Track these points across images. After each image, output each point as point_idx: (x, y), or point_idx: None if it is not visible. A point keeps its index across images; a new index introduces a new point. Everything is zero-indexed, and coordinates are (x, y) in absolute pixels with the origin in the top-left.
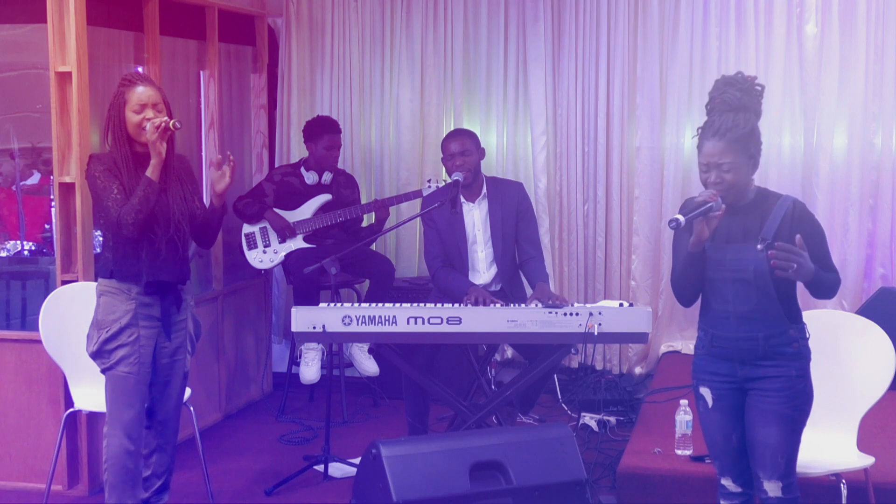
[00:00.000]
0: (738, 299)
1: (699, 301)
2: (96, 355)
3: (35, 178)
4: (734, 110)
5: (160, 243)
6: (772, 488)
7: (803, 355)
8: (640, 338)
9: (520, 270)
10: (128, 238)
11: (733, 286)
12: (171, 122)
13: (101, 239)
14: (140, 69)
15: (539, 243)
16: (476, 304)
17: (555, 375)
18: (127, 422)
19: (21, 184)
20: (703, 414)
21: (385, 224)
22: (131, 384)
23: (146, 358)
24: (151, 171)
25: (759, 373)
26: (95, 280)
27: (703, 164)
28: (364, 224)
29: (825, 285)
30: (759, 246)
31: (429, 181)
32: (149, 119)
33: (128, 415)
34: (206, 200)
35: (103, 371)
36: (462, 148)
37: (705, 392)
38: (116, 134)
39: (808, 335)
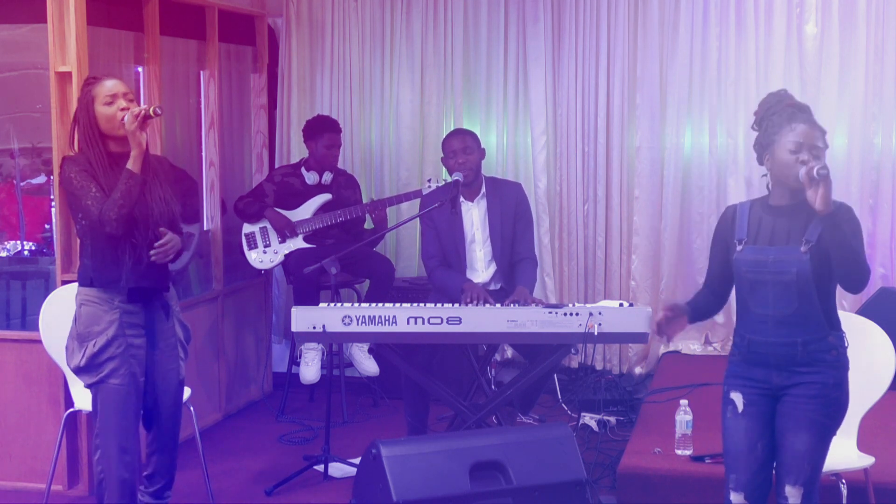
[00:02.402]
0: (779, 303)
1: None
2: (84, 370)
3: (41, 178)
4: (808, 112)
5: (141, 247)
6: (793, 493)
7: (842, 364)
8: (640, 338)
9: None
10: (109, 238)
11: (774, 289)
12: (152, 108)
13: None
14: (140, 69)
15: (532, 246)
16: (471, 301)
17: (555, 375)
18: (121, 433)
19: (27, 182)
20: (731, 420)
21: (386, 223)
22: (123, 396)
23: (137, 368)
24: (132, 164)
25: (796, 379)
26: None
27: (794, 143)
28: (366, 226)
29: (852, 251)
30: (802, 248)
31: (429, 180)
32: (123, 109)
33: (122, 426)
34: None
35: (90, 385)
36: (464, 145)
37: (736, 397)
38: (87, 134)
39: (847, 344)
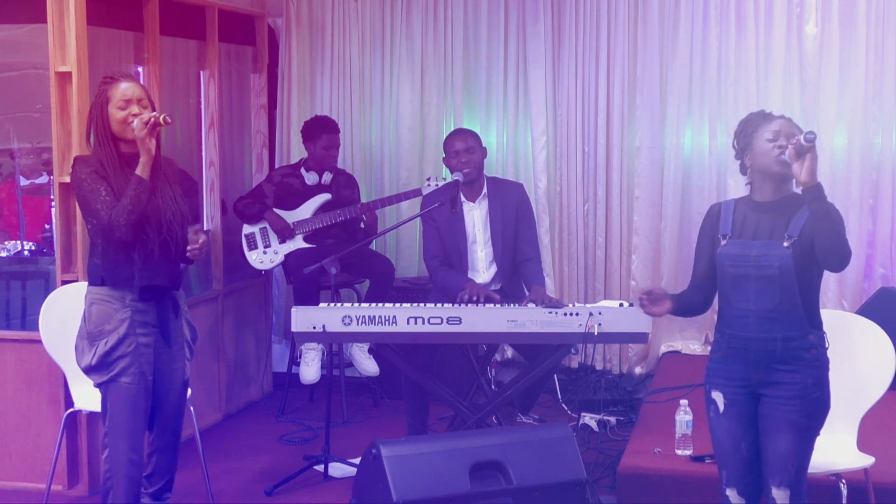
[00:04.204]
0: (761, 297)
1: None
2: (95, 369)
3: (41, 178)
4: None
5: (153, 246)
6: (780, 496)
7: (821, 363)
8: (640, 338)
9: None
10: (120, 241)
11: (756, 283)
12: (162, 116)
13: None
14: (140, 69)
15: (537, 245)
16: (471, 298)
17: (555, 375)
18: (130, 433)
19: (27, 182)
20: (714, 420)
21: (379, 226)
22: (132, 394)
23: (146, 367)
24: (141, 170)
25: (775, 378)
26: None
27: (772, 132)
28: (362, 226)
29: (832, 220)
30: (785, 243)
31: (428, 179)
32: (135, 115)
33: (131, 425)
34: (206, 215)
35: (100, 384)
36: (466, 145)
37: (717, 396)
38: (100, 134)
39: (827, 345)
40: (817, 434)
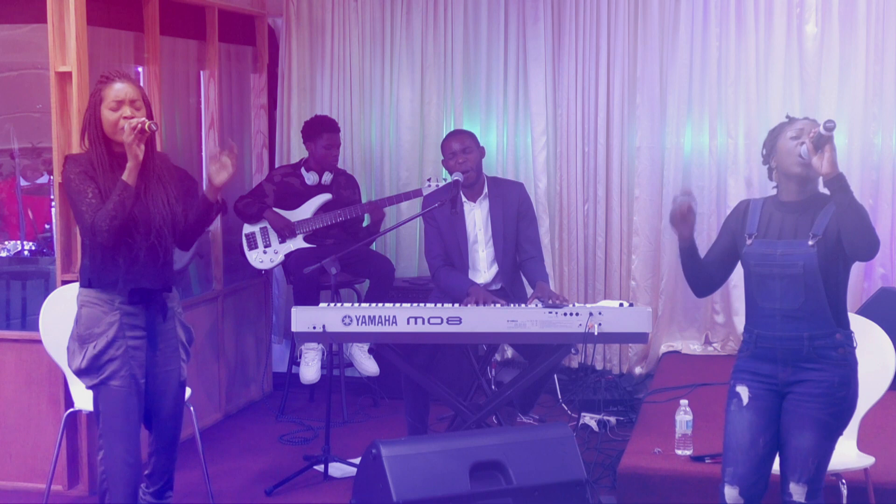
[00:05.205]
0: (786, 297)
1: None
2: (85, 372)
3: (42, 178)
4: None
5: (139, 249)
6: (797, 492)
7: (849, 363)
8: (640, 338)
9: (519, 270)
10: (104, 244)
11: (782, 283)
12: (147, 123)
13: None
14: (140, 69)
15: (539, 243)
16: (477, 304)
17: (555, 375)
18: (124, 435)
19: (28, 182)
20: (735, 413)
21: (382, 225)
22: (123, 397)
23: (137, 369)
24: (128, 175)
25: (802, 376)
26: None
27: (795, 130)
28: (364, 225)
29: (857, 208)
30: (809, 242)
31: (428, 180)
32: (126, 117)
33: (124, 428)
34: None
35: (92, 387)
36: (463, 146)
37: (742, 390)
38: (92, 134)
39: (855, 344)
40: (840, 434)
